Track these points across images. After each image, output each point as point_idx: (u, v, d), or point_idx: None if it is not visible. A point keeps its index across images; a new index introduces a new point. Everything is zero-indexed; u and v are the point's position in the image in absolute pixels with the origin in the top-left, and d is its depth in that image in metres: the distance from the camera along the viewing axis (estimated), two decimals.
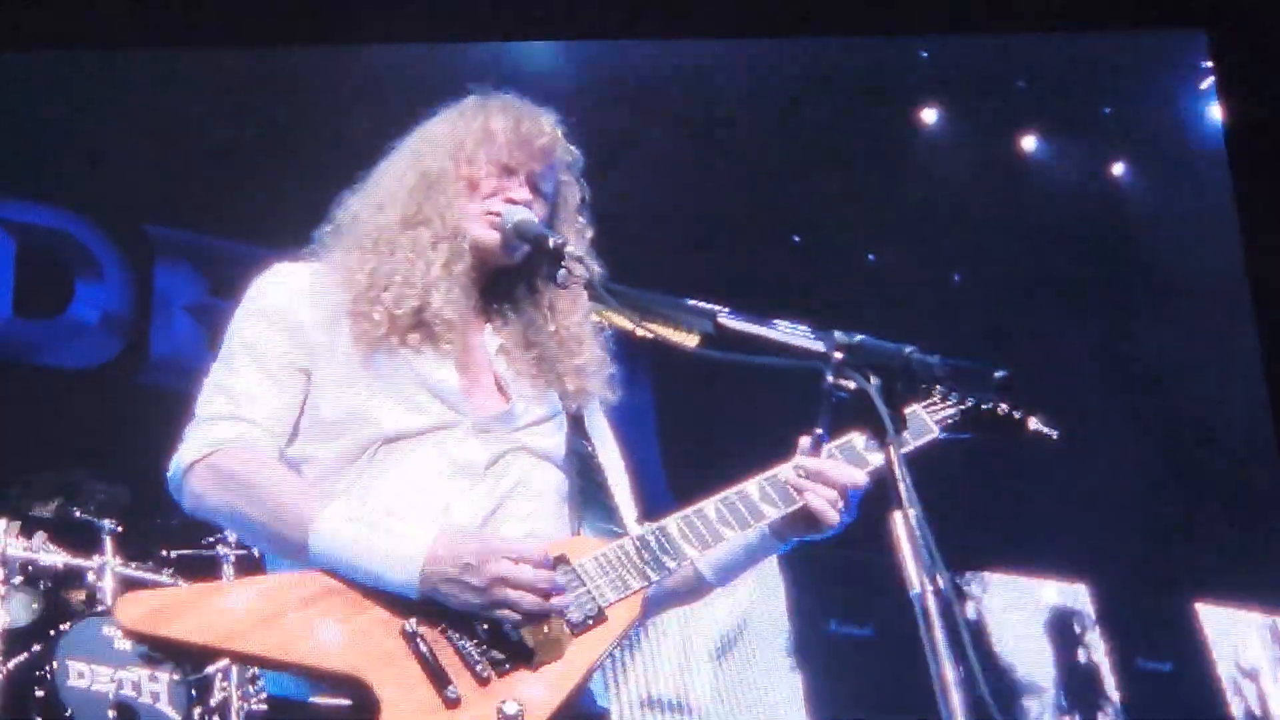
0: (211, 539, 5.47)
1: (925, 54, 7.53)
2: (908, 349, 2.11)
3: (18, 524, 5.25)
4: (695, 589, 2.58)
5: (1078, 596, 8.73)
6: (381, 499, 2.37)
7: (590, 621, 2.32)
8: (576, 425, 2.59)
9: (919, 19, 5.36)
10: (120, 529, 5.43)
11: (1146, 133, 8.05)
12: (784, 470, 2.48)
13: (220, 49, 5.86)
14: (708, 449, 7.10)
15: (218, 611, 2.23)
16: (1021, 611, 8.50)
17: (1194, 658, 8.69)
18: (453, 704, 2.21)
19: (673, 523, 2.42)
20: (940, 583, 1.95)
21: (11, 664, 5.04)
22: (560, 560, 2.35)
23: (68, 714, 4.95)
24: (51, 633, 5.10)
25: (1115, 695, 8.51)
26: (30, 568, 5.26)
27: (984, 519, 7.24)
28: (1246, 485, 7.32)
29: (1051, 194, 8.08)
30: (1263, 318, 5.02)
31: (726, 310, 2.32)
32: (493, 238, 2.53)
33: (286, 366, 2.46)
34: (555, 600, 2.28)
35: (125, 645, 5.01)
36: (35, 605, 5.24)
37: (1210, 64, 6.60)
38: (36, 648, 5.08)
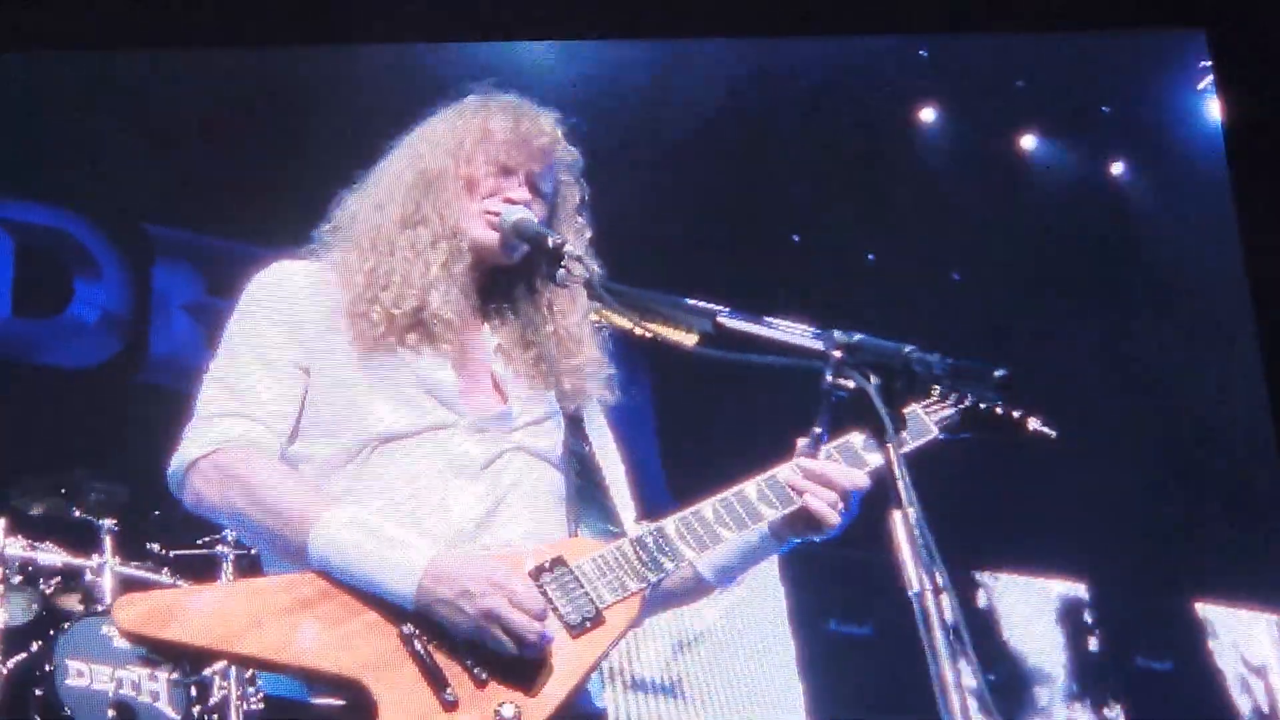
0: (211, 538, 5.48)
1: (925, 54, 7.53)
2: (907, 348, 2.10)
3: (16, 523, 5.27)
4: (695, 590, 2.56)
5: (1082, 592, 8.75)
6: (380, 499, 2.37)
7: (588, 623, 2.31)
8: (575, 425, 2.58)
9: (919, 19, 5.36)
10: (119, 528, 5.44)
11: (1146, 132, 8.05)
12: (783, 471, 2.46)
13: (220, 49, 5.85)
14: (706, 449, 7.10)
15: (215, 613, 2.23)
16: (1031, 602, 8.51)
17: (1194, 656, 8.69)
18: (450, 706, 2.20)
19: (670, 524, 2.42)
20: (940, 581, 1.94)
21: (11, 663, 5.05)
22: (558, 562, 2.35)
23: (67, 713, 4.95)
24: (51, 632, 5.10)
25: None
26: (29, 567, 5.26)
27: (984, 519, 7.23)
28: (1246, 485, 7.32)
29: (1051, 193, 8.08)
30: (1263, 318, 5.01)
31: (726, 310, 2.31)
32: (491, 237, 2.53)
33: (287, 364, 2.45)
34: (533, 650, 2.25)
35: (124, 644, 5.00)
36: (34, 604, 5.24)
37: (1209, 63, 6.59)
38: (35, 647, 5.08)
